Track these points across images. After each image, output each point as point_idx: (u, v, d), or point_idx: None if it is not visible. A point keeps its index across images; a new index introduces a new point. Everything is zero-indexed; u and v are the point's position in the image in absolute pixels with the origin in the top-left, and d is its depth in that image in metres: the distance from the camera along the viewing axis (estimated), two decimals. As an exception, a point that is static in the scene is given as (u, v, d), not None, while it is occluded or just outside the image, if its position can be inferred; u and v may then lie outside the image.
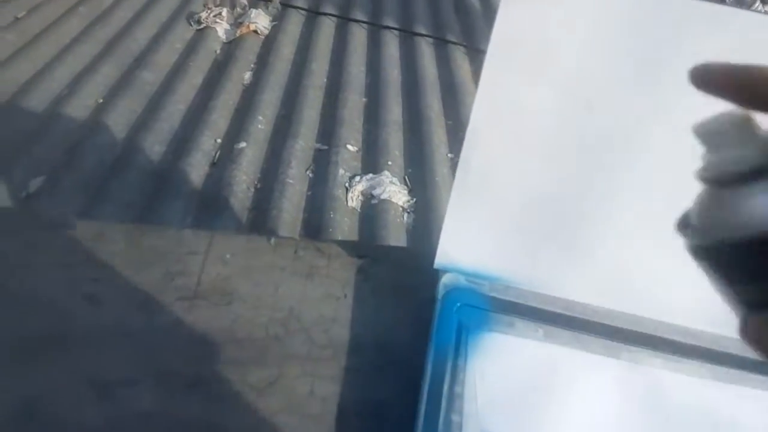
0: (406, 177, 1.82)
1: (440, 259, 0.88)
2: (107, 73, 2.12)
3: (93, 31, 2.33)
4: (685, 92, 0.80)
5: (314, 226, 1.59)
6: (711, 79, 0.27)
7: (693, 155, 0.82)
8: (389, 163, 1.83)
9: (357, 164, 1.85)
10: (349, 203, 1.67)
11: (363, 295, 0.91)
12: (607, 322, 0.84)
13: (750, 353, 0.82)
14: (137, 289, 0.87)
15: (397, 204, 1.68)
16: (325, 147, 1.90)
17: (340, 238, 1.54)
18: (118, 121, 1.91)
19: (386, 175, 1.74)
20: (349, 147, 1.90)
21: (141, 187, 1.67)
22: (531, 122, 0.80)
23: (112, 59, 2.19)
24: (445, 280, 0.86)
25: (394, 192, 1.68)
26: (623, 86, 0.77)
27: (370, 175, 1.76)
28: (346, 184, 1.73)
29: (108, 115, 1.91)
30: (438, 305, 0.84)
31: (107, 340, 0.80)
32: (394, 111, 2.13)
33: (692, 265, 0.86)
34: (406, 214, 1.68)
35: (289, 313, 0.87)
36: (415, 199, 1.72)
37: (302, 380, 0.80)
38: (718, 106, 0.28)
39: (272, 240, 0.97)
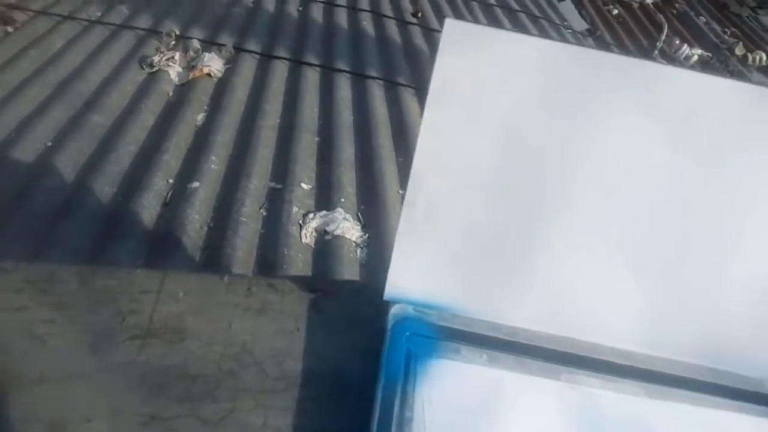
0: (359, 213, 1.86)
1: (389, 291, 0.92)
2: (57, 116, 2.11)
3: (43, 74, 2.33)
4: (603, 131, 0.88)
5: (268, 262, 1.60)
6: None
7: (617, 190, 0.89)
8: (342, 200, 1.88)
9: (311, 202, 1.89)
10: (303, 240, 1.69)
11: (316, 328, 0.93)
12: (547, 345, 0.89)
13: (678, 371, 0.88)
14: (89, 329, 0.88)
15: (350, 240, 1.71)
16: (279, 186, 1.93)
17: (293, 274, 1.56)
18: (68, 164, 1.90)
19: (339, 212, 1.78)
20: (303, 185, 1.94)
21: (90, 230, 1.66)
22: (470, 162, 0.86)
23: (63, 102, 2.19)
24: (395, 310, 0.90)
25: (348, 228, 1.72)
26: (551, 128, 0.84)
27: (324, 212, 1.79)
28: (300, 221, 1.76)
29: (57, 157, 1.90)
30: (388, 335, 0.87)
31: (60, 381, 0.80)
32: (346, 150, 2.19)
33: (622, 292, 0.92)
34: (359, 249, 1.72)
35: (242, 348, 0.89)
36: (368, 235, 1.76)
37: (255, 413, 0.81)
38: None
39: (225, 278, 0.99)
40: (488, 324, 0.91)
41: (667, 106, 0.82)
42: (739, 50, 4.39)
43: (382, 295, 0.94)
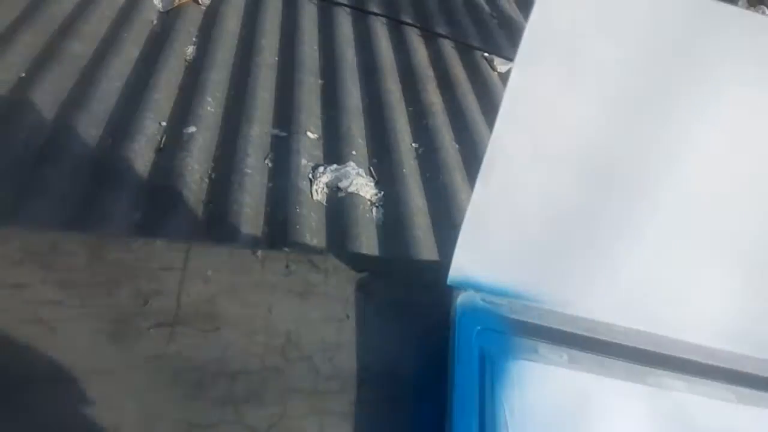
0: (372, 168, 1.72)
1: (454, 275, 0.81)
2: (29, 43, 1.87)
3: (9, -7, 2.06)
4: (713, 102, 0.73)
5: (279, 221, 1.47)
6: None
7: (719, 174, 0.76)
8: (353, 152, 1.73)
9: (319, 153, 1.74)
10: (314, 196, 1.56)
11: (367, 316, 0.81)
12: (629, 343, 0.80)
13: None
14: (106, 313, 0.74)
15: (365, 197, 1.58)
16: (284, 133, 1.76)
17: (307, 235, 1.43)
18: (46, 99, 1.68)
19: (352, 166, 1.64)
20: (309, 134, 1.77)
21: (77, 177, 1.48)
22: (561, 132, 0.74)
23: (34, 26, 1.94)
24: (462, 300, 0.79)
25: (362, 185, 1.59)
26: (662, 96, 0.72)
27: (335, 165, 1.65)
28: (310, 175, 1.62)
29: (33, 91, 1.68)
30: (455, 329, 0.76)
31: (79, 378, 0.67)
32: (353, 95, 2.02)
33: (713, 286, 0.80)
34: (374, 209, 1.59)
35: (286, 339, 0.77)
36: (383, 192, 1.63)
37: (309, 419, 0.70)
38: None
39: (259, 253, 0.86)
40: (564, 316, 0.81)
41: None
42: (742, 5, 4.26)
43: (437, 277, 0.83)
